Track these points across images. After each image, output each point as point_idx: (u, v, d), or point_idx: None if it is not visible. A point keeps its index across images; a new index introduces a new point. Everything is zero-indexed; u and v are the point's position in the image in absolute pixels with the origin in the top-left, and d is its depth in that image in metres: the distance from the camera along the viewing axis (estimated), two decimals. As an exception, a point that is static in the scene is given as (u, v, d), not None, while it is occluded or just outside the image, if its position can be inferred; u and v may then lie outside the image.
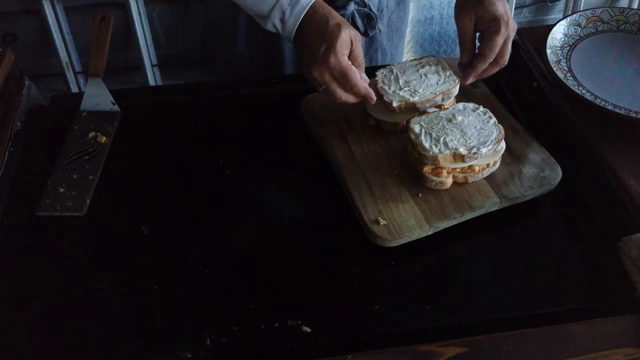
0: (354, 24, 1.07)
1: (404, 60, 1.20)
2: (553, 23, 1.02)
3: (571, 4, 2.15)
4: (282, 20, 0.81)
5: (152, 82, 1.96)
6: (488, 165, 0.82)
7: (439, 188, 0.81)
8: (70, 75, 1.93)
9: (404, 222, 0.78)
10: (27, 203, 0.84)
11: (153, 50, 1.95)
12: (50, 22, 1.81)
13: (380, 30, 1.10)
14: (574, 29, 1.03)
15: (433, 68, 0.91)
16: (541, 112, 0.97)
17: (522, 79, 1.03)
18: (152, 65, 1.95)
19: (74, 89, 1.94)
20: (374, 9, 1.07)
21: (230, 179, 0.88)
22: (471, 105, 0.86)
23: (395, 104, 0.86)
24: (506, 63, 0.87)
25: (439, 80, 0.89)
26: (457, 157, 0.79)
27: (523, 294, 0.75)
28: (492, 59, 0.86)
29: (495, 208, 0.82)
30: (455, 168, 0.80)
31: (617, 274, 0.75)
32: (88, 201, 0.84)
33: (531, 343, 0.72)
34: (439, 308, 0.73)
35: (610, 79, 0.95)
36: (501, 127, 0.83)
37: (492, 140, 0.80)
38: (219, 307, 0.74)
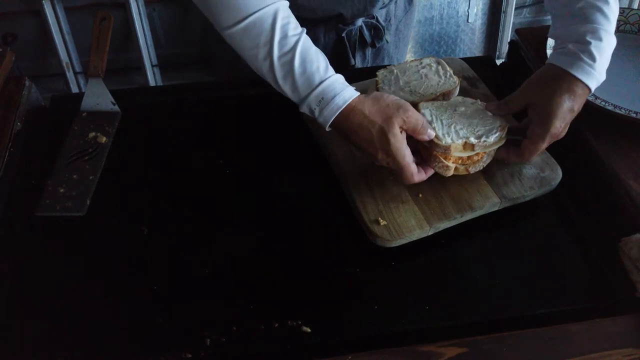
0: (361, 36, 1.07)
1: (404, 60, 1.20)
2: (553, 23, 1.02)
3: (571, 4, 2.15)
4: (314, 114, 0.77)
5: (152, 82, 1.96)
6: (485, 153, 0.81)
7: (442, 173, 0.80)
8: (70, 75, 1.93)
9: (404, 223, 0.78)
10: (27, 203, 0.84)
11: (153, 50, 1.95)
12: (51, 22, 1.82)
13: (387, 42, 1.10)
14: (574, 29, 1.03)
15: (433, 68, 0.91)
16: (541, 112, 0.96)
17: (522, 79, 1.03)
18: (152, 65, 1.95)
19: (74, 89, 1.94)
20: (382, 20, 1.07)
21: (230, 179, 0.88)
22: (469, 99, 0.86)
23: None
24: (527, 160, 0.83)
25: (440, 81, 0.89)
26: (468, 146, 0.79)
27: (523, 294, 0.75)
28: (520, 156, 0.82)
29: (495, 208, 0.82)
30: (459, 158, 0.80)
31: (617, 274, 0.75)
32: (88, 201, 0.84)
33: (531, 343, 0.72)
34: (439, 308, 0.73)
35: (610, 79, 0.95)
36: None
37: (497, 127, 0.80)
38: (219, 307, 0.74)
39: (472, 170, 0.82)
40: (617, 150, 0.85)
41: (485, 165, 0.83)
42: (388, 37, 1.09)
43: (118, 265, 0.79)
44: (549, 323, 0.72)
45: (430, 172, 0.80)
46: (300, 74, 0.74)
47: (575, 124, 0.90)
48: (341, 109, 0.74)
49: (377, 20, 1.06)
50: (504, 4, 2.11)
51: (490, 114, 0.82)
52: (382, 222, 0.78)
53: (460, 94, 0.92)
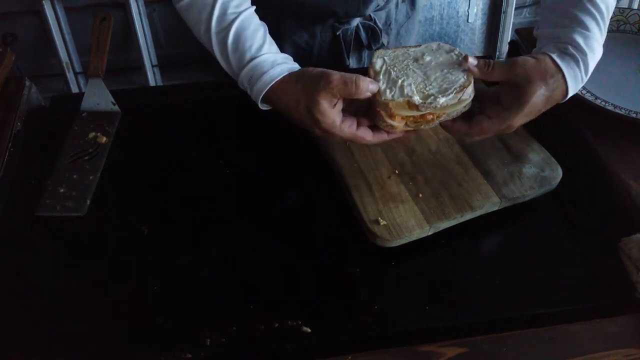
0: (357, 37, 1.07)
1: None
2: (553, 23, 1.02)
3: (571, 4, 2.15)
4: (247, 92, 0.78)
5: (152, 82, 1.96)
6: (442, 114, 0.74)
7: (389, 131, 0.75)
8: (70, 76, 1.93)
9: (404, 222, 0.78)
10: (27, 203, 0.84)
11: (153, 50, 1.95)
12: (51, 22, 1.82)
13: (384, 45, 1.10)
14: (574, 29, 1.03)
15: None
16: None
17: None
18: (152, 65, 1.95)
19: (74, 89, 1.94)
20: (380, 23, 1.07)
21: (230, 179, 0.88)
22: (448, 46, 0.78)
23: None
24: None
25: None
26: (412, 105, 0.72)
27: (523, 294, 0.75)
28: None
29: (495, 208, 0.82)
30: (410, 116, 0.73)
31: (617, 274, 0.75)
32: (88, 201, 0.84)
33: (531, 343, 0.72)
34: (439, 308, 0.73)
35: (610, 79, 0.95)
36: (472, 75, 0.75)
37: (455, 88, 0.72)
38: (219, 307, 0.74)
39: (423, 127, 0.75)
40: (617, 150, 0.85)
41: (441, 122, 0.75)
42: (385, 40, 1.09)
43: (118, 265, 0.79)
44: (549, 323, 0.72)
45: (393, 133, 0.76)
46: (233, 51, 0.76)
47: (576, 124, 0.90)
48: (268, 88, 0.74)
49: (375, 23, 1.06)
50: (504, 4, 2.11)
51: (462, 69, 0.75)
52: (382, 222, 0.78)
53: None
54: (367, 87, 0.72)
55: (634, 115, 0.87)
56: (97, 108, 0.97)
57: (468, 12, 2.11)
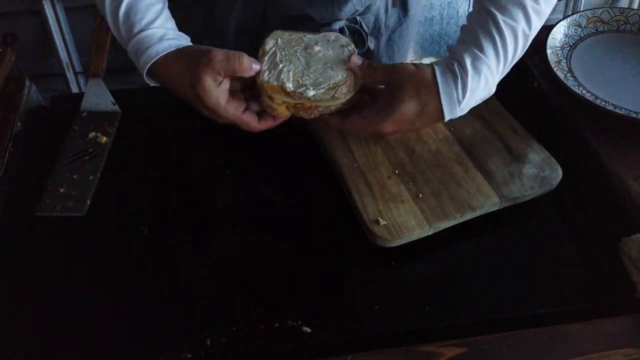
0: None
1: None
2: (553, 23, 1.02)
3: (571, 5, 2.16)
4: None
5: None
6: (325, 107, 0.74)
7: (271, 113, 0.75)
8: (70, 76, 1.93)
9: (404, 222, 0.78)
10: (27, 203, 0.84)
11: None
12: (51, 22, 1.81)
13: (370, 49, 1.10)
14: (574, 29, 1.03)
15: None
16: (541, 112, 0.97)
17: (522, 79, 1.03)
18: None
19: (74, 89, 1.94)
20: (368, 27, 1.06)
21: (230, 179, 0.88)
22: (345, 40, 0.77)
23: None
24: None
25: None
26: (285, 91, 0.72)
27: (523, 294, 0.75)
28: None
29: (495, 208, 0.82)
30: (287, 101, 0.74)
31: (617, 274, 0.75)
32: (88, 201, 0.84)
33: (531, 343, 0.72)
34: (439, 308, 0.73)
35: (610, 79, 0.95)
36: (353, 77, 0.74)
37: (328, 84, 0.72)
38: (219, 307, 0.74)
39: (304, 115, 0.75)
40: (617, 150, 0.85)
41: (321, 113, 0.75)
42: (372, 45, 1.09)
43: (118, 265, 0.79)
44: (549, 323, 0.72)
45: (281, 117, 0.76)
46: (124, 22, 0.75)
47: (575, 124, 0.90)
48: (152, 62, 0.74)
49: (361, 26, 1.05)
50: (504, 4, 2.11)
51: (345, 66, 0.74)
52: (382, 222, 0.78)
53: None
54: (250, 65, 0.72)
55: (634, 115, 0.87)
56: (97, 108, 0.97)
57: (468, 12, 2.11)
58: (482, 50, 0.70)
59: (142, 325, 0.72)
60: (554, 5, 0.72)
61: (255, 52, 0.95)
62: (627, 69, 0.97)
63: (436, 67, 0.71)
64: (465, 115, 0.92)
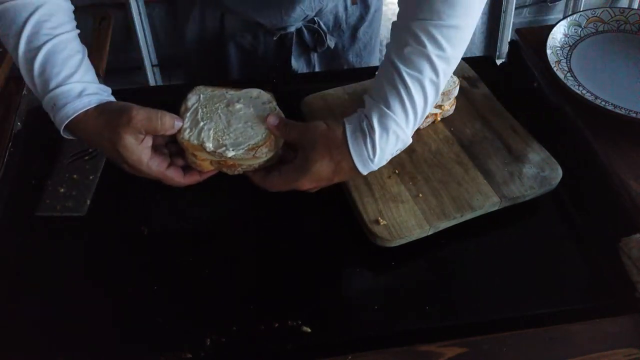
0: (301, 40, 1.07)
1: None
2: (553, 23, 1.02)
3: (571, 4, 2.16)
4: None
5: (152, 82, 1.96)
6: (247, 165, 0.73)
7: (196, 168, 0.74)
8: (70, 75, 1.93)
9: (404, 222, 0.78)
10: (27, 203, 0.84)
11: (153, 50, 1.95)
12: (51, 22, 1.81)
13: (330, 47, 1.09)
14: (574, 29, 1.03)
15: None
16: (541, 112, 0.97)
17: (522, 79, 1.03)
18: (152, 65, 1.95)
19: (74, 89, 1.94)
20: (327, 26, 1.06)
21: (230, 179, 0.88)
22: (267, 96, 0.76)
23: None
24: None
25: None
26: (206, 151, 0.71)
27: (523, 294, 0.75)
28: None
29: (495, 208, 0.82)
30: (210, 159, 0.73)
31: (617, 274, 0.75)
32: (88, 201, 0.84)
33: (531, 343, 0.72)
34: (439, 308, 0.73)
35: (610, 79, 0.95)
36: (273, 136, 0.73)
37: (248, 145, 0.71)
38: (219, 307, 0.74)
39: (230, 172, 0.74)
40: (617, 150, 0.85)
41: (244, 170, 0.74)
42: (332, 43, 1.08)
43: (118, 265, 0.79)
44: (549, 323, 0.72)
45: (208, 172, 0.74)
46: (39, 75, 0.70)
47: (576, 124, 0.90)
48: (70, 119, 0.70)
49: (319, 26, 1.05)
50: (504, 3, 2.12)
51: (265, 126, 0.73)
52: (382, 222, 0.78)
53: (460, 93, 0.92)
54: (172, 123, 0.71)
55: (634, 115, 0.87)
56: (97, 108, 0.97)
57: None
58: (389, 106, 0.68)
59: (142, 325, 0.72)
60: (465, 46, 0.69)
61: (215, 63, 0.96)
62: (627, 69, 0.97)
63: (347, 126, 0.70)
64: (465, 115, 0.93)
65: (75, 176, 0.87)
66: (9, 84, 0.97)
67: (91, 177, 0.87)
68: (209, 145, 0.71)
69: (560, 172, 0.84)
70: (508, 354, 0.71)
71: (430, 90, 0.68)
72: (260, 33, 1.05)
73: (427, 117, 0.90)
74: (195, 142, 0.71)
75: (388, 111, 0.68)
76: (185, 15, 1.05)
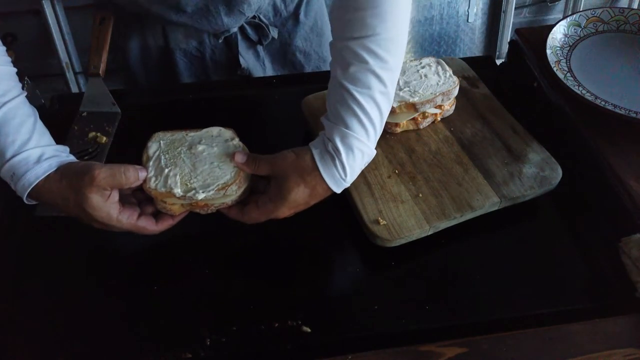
0: (246, 36, 1.08)
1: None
2: (553, 23, 1.02)
3: (571, 4, 2.16)
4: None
5: (74, 89, 1.95)
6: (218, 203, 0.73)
7: (168, 213, 0.73)
8: (70, 75, 1.93)
9: (403, 222, 0.78)
10: (27, 203, 0.84)
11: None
12: (50, 22, 1.81)
13: (274, 37, 1.10)
14: (574, 29, 1.03)
15: (433, 69, 0.91)
16: (541, 112, 0.97)
17: (522, 79, 1.03)
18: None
19: (74, 89, 1.94)
20: (267, 18, 1.07)
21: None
22: (229, 133, 0.76)
23: (395, 105, 0.86)
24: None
25: (439, 81, 0.89)
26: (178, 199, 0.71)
27: (523, 294, 0.75)
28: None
29: (495, 208, 0.82)
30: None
31: (617, 274, 0.75)
32: (88, 201, 0.84)
33: (531, 343, 0.72)
34: (439, 308, 0.73)
35: (610, 79, 0.95)
36: (241, 172, 0.72)
37: (217, 185, 0.71)
38: (219, 307, 0.74)
39: (203, 212, 0.74)
40: (617, 150, 0.85)
41: (218, 208, 0.74)
42: (275, 33, 1.09)
43: (118, 265, 0.79)
44: (549, 323, 0.72)
45: (181, 215, 0.74)
46: None
47: (575, 124, 0.90)
48: (32, 187, 0.69)
49: (260, 20, 1.06)
50: (504, 3, 2.11)
51: (232, 163, 0.73)
52: (382, 222, 0.78)
53: (460, 93, 0.92)
54: (136, 176, 0.70)
55: (634, 115, 0.87)
56: (97, 108, 0.97)
57: (468, 11, 2.11)
58: (347, 126, 0.70)
59: (142, 325, 0.72)
60: (403, 51, 0.71)
61: (162, 73, 0.96)
62: (627, 69, 0.97)
63: (314, 152, 0.71)
64: (465, 115, 0.93)
65: (75, 176, 0.87)
66: (9, 84, 0.97)
67: (91, 177, 0.87)
68: (178, 191, 0.70)
69: (560, 172, 0.84)
70: (508, 354, 0.71)
71: (382, 101, 0.70)
72: (204, 37, 1.06)
73: (427, 117, 0.90)
74: (163, 189, 0.70)
75: (348, 131, 0.70)
76: (124, 32, 1.06)
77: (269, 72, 1.14)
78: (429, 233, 0.79)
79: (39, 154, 0.69)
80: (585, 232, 0.82)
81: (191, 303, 0.74)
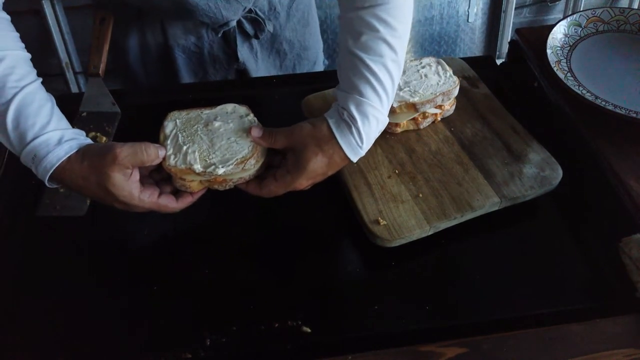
0: (243, 31, 1.09)
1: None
2: (553, 23, 1.02)
3: (571, 4, 2.16)
4: (33, 170, 0.71)
5: (74, 89, 1.95)
6: (240, 178, 0.74)
7: (186, 190, 0.74)
8: (70, 75, 1.93)
9: (404, 222, 0.78)
10: (27, 203, 0.84)
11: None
12: (50, 22, 1.81)
13: (270, 31, 1.11)
14: (574, 29, 1.03)
15: (433, 68, 0.91)
16: (541, 112, 0.97)
17: (522, 79, 1.03)
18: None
19: (74, 89, 1.94)
20: (263, 12, 1.08)
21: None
22: (243, 109, 0.77)
23: (395, 105, 0.86)
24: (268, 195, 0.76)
25: (440, 80, 0.89)
26: (194, 172, 0.71)
27: (523, 294, 0.75)
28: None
29: (496, 208, 0.82)
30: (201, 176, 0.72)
31: (617, 274, 0.75)
32: (88, 201, 0.84)
33: (531, 343, 0.72)
34: (439, 308, 0.73)
35: (610, 79, 0.95)
36: (258, 146, 0.73)
37: (236, 159, 0.72)
38: (219, 307, 0.74)
39: (219, 188, 0.75)
40: (617, 150, 0.85)
41: (236, 184, 0.75)
42: (270, 27, 1.10)
43: (118, 266, 0.79)
44: (549, 323, 0.72)
45: (198, 192, 0.75)
46: (14, 129, 0.69)
47: (575, 124, 0.90)
48: (54, 168, 0.69)
49: (256, 14, 1.07)
50: (504, 3, 2.11)
51: (249, 137, 0.74)
52: (382, 222, 0.78)
53: (460, 93, 0.92)
54: (157, 153, 0.71)
55: (634, 115, 0.87)
56: (97, 108, 0.97)
57: (468, 11, 2.11)
58: (361, 94, 0.71)
59: (142, 325, 0.72)
60: (410, 18, 0.73)
61: (161, 69, 0.96)
62: (627, 68, 0.97)
63: (330, 121, 0.72)
64: (465, 115, 0.93)
65: (75, 176, 0.87)
66: (9, 84, 0.97)
67: (91, 177, 0.87)
68: (198, 167, 0.71)
69: (560, 172, 0.84)
70: (508, 354, 0.71)
71: (393, 68, 0.72)
72: (203, 32, 1.07)
73: (427, 117, 0.90)
74: (183, 166, 0.71)
75: (363, 99, 0.71)
76: (123, 30, 1.06)
77: (260, 62, 1.15)
78: (429, 233, 0.79)
79: (59, 136, 0.70)
80: (585, 232, 0.82)
81: (191, 303, 0.74)
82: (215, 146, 0.73)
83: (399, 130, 0.89)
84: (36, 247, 0.80)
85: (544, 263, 0.78)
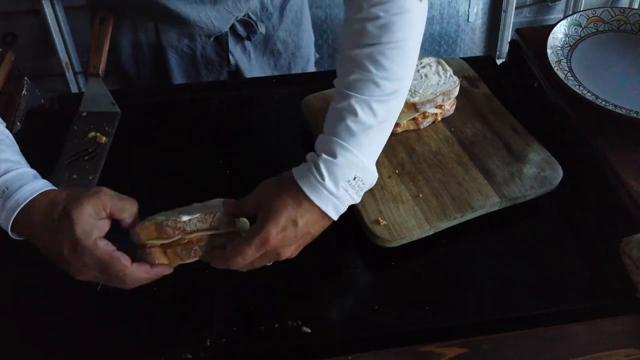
0: (235, 33, 1.09)
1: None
2: (553, 23, 1.02)
3: (571, 4, 2.16)
4: None
5: (74, 89, 1.95)
6: (196, 240, 0.67)
7: (149, 262, 0.66)
8: (70, 75, 1.93)
9: (404, 223, 0.78)
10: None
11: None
12: (50, 22, 1.81)
13: (263, 33, 1.11)
14: (575, 29, 1.03)
15: (433, 68, 0.91)
16: (541, 112, 0.97)
17: (522, 79, 1.03)
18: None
19: (74, 89, 1.94)
20: (256, 15, 1.08)
21: (230, 179, 0.88)
22: (215, 201, 0.72)
23: None
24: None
25: (440, 80, 0.89)
26: (162, 233, 0.65)
27: (523, 294, 0.75)
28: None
29: (496, 208, 0.82)
30: (166, 244, 0.66)
31: (617, 274, 0.75)
32: (88, 201, 0.84)
33: (531, 343, 0.72)
34: (439, 308, 0.73)
35: (610, 79, 0.95)
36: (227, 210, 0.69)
37: (204, 211, 0.67)
38: (219, 307, 0.74)
39: (183, 255, 0.67)
40: (617, 150, 0.85)
41: (201, 254, 0.67)
42: (263, 29, 1.10)
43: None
44: (549, 323, 0.72)
45: (159, 266, 0.66)
46: None
47: (575, 124, 0.90)
48: (27, 201, 0.63)
49: (249, 17, 1.07)
50: (504, 3, 2.11)
51: (219, 207, 0.69)
52: (382, 222, 0.78)
53: (460, 93, 0.92)
54: (135, 210, 0.67)
55: (634, 115, 0.87)
56: (97, 108, 0.97)
57: (468, 11, 2.11)
58: (332, 132, 0.67)
59: (142, 325, 0.72)
60: (413, 62, 0.70)
61: (153, 70, 0.96)
62: (627, 69, 0.97)
63: (293, 170, 0.68)
64: (465, 115, 0.93)
65: (75, 176, 0.87)
66: (9, 84, 0.97)
67: (91, 177, 0.87)
68: (160, 218, 0.65)
69: (560, 172, 0.84)
70: (508, 354, 0.71)
71: (379, 109, 0.68)
72: (196, 35, 1.07)
73: (427, 117, 0.90)
74: (147, 223, 0.66)
75: (332, 137, 0.67)
76: (116, 30, 1.06)
77: (254, 63, 1.15)
78: (430, 233, 0.79)
79: (33, 172, 0.67)
80: (586, 232, 0.82)
81: (191, 303, 0.74)
82: (184, 211, 0.69)
83: (399, 130, 0.89)
84: (36, 247, 0.80)
85: (544, 263, 0.78)
